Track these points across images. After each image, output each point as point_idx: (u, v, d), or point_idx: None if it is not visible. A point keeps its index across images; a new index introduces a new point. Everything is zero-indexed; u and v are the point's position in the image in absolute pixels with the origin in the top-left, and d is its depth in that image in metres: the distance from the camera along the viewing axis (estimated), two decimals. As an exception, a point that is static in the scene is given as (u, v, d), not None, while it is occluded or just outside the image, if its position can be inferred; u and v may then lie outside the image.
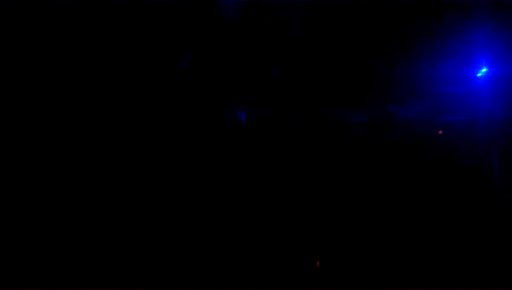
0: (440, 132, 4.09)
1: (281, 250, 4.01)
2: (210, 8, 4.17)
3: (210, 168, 4.16)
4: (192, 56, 4.15)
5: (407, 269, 3.88)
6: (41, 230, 3.90)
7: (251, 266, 3.97)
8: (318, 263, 3.99)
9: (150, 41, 4.16)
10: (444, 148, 4.08)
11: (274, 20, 4.21)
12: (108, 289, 3.81)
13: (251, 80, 4.26)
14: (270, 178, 4.17)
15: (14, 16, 3.98)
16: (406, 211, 4.02)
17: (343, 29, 4.18)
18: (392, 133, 4.15)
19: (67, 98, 4.10)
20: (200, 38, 4.20)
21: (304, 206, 4.11)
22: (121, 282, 3.84)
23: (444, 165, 4.06)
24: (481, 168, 3.99)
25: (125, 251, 3.93)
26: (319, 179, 4.16)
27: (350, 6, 4.12)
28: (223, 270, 3.95)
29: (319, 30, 4.20)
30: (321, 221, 4.08)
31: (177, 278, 3.91)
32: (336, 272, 3.96)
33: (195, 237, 4.03)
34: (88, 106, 4.12)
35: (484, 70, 4.00)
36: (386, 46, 4.16)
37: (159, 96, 4.19)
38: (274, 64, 4.24)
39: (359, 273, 3.93)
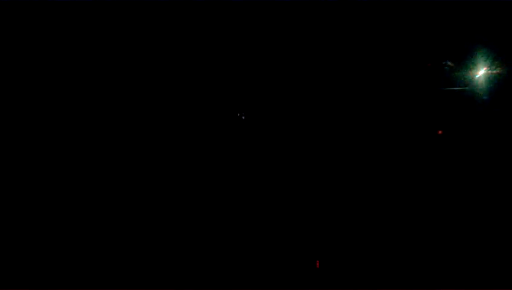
0: (440, 132, 4.10)
1: (281, 250, 4.01)
2: (212, 8, 4.17)
3: (210, 167, 4.17)
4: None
5: (407, 269, 3.88)
6: (40, 229, 3.90)
7: (251, 266, 3.97)
8: (318, 263, 3.99)
9: (150, 41, 4.16)
10: (443, 147, 4.09)
11: (274, 21, 4.21)
12: (108, 289, 3.81)
13: (251, 80, 4.27)
14: (270, 177, 4.17)
15: (14, 16, 3.98)
16: (406, 211, 4.03)
17: (343, 30, 4.18)
18: (393, 133, 4.16)
19: (68, 98, 4.10)
20: (201, 39, 4.21)
21: (304, 206, 4.11)
22: (120, 282, 3.84)
23: (444, 164, 4.07)
24: (481, 167, 3.99)
25: (124, 251, 3.93)
26: (319, 178, 4.16)
27: (350, 7, 4.12)
28: (222, 270, 3.95)
29: (319, 31, 4.20)
30: (321, 221, 4.08)
31: (177, 278, 3.91)
32: (336, 271, 3.96)
33: (194, 236, 4.03)
34: (88, 105, 4.12)
35: (484, 70, 4.00)
36: (386, 47, 4.16)
37: (160, 96, 4.19)
38: (274, 65, 4.25)
39: (359, 274, 3.93)
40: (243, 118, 4.22)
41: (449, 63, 4.02)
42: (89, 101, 4.12)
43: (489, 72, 4.01)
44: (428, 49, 4.11)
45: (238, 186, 4.17)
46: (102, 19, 4.08)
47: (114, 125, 4.12)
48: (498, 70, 3.98)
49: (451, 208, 3.98)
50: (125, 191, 4.05)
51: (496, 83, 4.00)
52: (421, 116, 4.15)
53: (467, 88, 4.07)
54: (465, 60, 4.07)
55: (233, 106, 4.25)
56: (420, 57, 4.13)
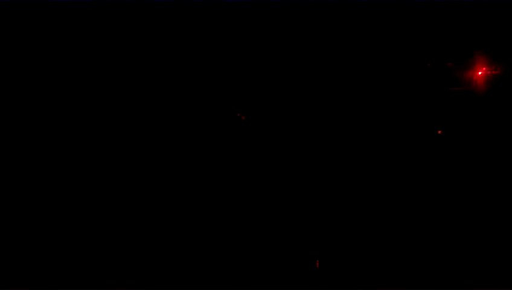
0: (440, 132, 4.10)
1: (281, 249, 4.01)
2: (210, 8, 4.17)
3: (210, 167, 4.17)
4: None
5: (407, 269, 3.88)
6: (40, 230, 3.90)
7: (251, 266, 3.97)
8: (318, 263, 3.99)
9: (150, 41, 4.16)
10: (443, 147, 4.08)
11: (274, 21, 4.21)
12: (108, 289, 3.81)
13: (251, 80, 4.27)
14: (270, 177, 4.17)
15: (15, 16, 3.98)
16: (406, 211, 4.02)
17: (343, 30, 4.18)
18: (392, 132, 4.16)
19: (67, 98, 4.10)
20: (201, 39, 4.21)
21: (304, 205, 4.11)
22: (120, 282, 3.84)
23: (444, 164, 4.06)
24: (481, 167, 3.99)
25: (124, 251, 3.93)
26: (319, 178, 4.16)
27: (350, 7, 4.12)
28: (222, 270, 3.95)
29: (318, 31, 4.20)
30: (321, 221, 4.08)
31: (177, 278, 3.91)
32: (336, 271, 3.96)
33: (194, 236, 4.03)
34: (88, 105, 4.12)
35: (484, 70, 4.00)
36: (386, 46, 4.16)
37: (160, 96, 4.19)
38: (274, 65, 4.25)
39: (359, 274, 3.93)
40: (243, 118, 4.22)
41: (449, 64, 4.02)
42: (88, 101, 4.12)
43: (489, 72, 4.01)
44: (429, 49, 4.11)
45: (238, 186, 4.17)
46: (103, 19, 4.08)
47: (113, 125, 4.12)
48: (498, 70, 3.98)
49: (451, 208, 3.97)
50: (124, 191, 4.05)
51: (496, 83, 4.00)
52: (420, 116, 4.15)
53: (466, 88, 4.06)
54: (465, 60, 4.06)
55: (233, 106, 4.25)
56: (420, 57, 4.13)
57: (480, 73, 4.01)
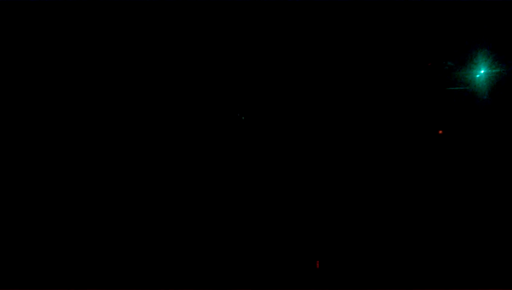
0: (440, 132, 4.10)
1: (281, 249, 4.02)
2: (210, 8, 4.17)
3: (209, 167, 4.17)
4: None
5: (408, 269, 3.89)
6: (41, 230, 3.91)
7: (251, 266, 3.98)
8: (318, 263, 4.00)
9: (150, 41, 4.16)
10: (444, 147, 4.09)
11: (274, 20, 4.21)
12: (108, 289, 3.81)
13: (251, 80, 4.27)
14: (270, 177, 4.18)
15: (15, 16, 3.98)
16: (406, 211, 4.03)
17: (344, 30, 4.18)
18: (392, 132, 4.16)
19: (68, 98, 4.10)
20: (201, 39, 4.21)
21: (303, 206, 4.12)
22: (121, 282, 3.85)
23: (444, 164, 4.07)
24: (482, 167, 4.00)
25: (124, 251, 3.93)
26: (319, 178, 4.16)
27: (349, 7, 4.13)
28: (222, 270, 3.96)
29: (319, 31, 4.21)
30: (321, 221, 4.09)
31: (177, 278, 3.91)
32: (336, 271, 3.97)
33: (194, 236, 4.03)
34: (88, 105, 4.12)
35: (484, 70, 4.01)
36: (385, 46, 4.16)
37: (159, 96, 4.19)
38: (274, 65, 4.25)
39: (359, 274, 3.94)
40: (243, 118, 4.22)
41: (449, 63, 4.03)
42: (88, 102, 4.13)
43: (489, 72, 4.01)
44: (429, 49, 4.11)
45: (238, 186, 4.17)
46: (102, 19, 4.08)
47: (114, 125, 4.13)
48: (498, 70, 3.98)
49: (451, 208, 3.98)
50: (125, 192, 4.06)
51: (496, 83, 4.00)
52: (421, 116, 4.15)
53: (467, 88, 4.07)
54: (465, 60, 4.07)
55: (233, 106, 4.25)
56: (420, 57, 4.14)
57: (480, 73, 4.02)
